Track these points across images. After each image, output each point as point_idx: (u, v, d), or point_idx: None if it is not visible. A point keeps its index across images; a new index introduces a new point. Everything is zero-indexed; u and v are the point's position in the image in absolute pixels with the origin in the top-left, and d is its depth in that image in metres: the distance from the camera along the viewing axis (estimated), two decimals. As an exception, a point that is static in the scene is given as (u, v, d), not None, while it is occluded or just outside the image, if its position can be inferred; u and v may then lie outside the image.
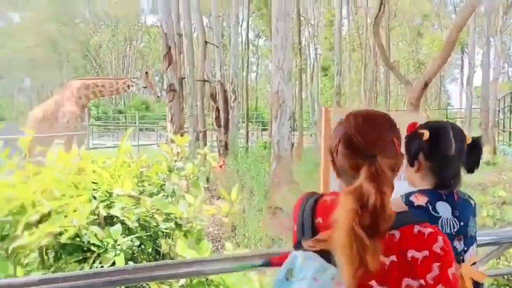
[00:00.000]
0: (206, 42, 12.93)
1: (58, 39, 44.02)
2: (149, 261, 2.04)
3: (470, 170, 1.45)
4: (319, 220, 1.01)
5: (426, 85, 8.02)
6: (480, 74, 17.13)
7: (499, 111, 17.17)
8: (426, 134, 1.35)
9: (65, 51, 45.97)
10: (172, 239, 2.10)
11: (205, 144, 11.82)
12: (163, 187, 2.39)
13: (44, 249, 1.86)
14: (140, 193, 2.21)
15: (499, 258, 2.86)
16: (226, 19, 23.78)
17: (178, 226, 2.12)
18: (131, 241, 1.93)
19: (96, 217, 1.92)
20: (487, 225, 5.24)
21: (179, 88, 9.14)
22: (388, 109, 21.96)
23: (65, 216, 1.80)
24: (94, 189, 2.05)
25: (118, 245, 1.81)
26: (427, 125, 1.43)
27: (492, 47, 17.44)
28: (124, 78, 9.18)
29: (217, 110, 12.77)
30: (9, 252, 1.75)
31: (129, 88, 9.00)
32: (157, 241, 2.08)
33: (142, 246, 2.07)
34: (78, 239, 1.83)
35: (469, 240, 1.34)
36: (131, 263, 1.86)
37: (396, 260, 0.94)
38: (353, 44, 27.24)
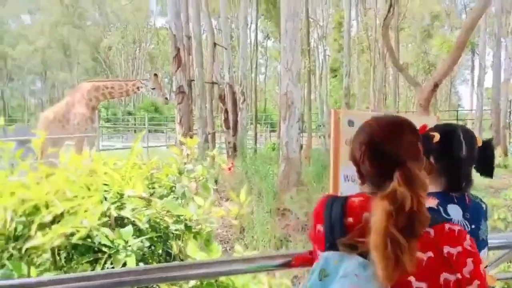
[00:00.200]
0: (215, 44, 12.98)
1: (68, 41, 44.52)
2: (159, 262, 2.05)
3: (486, 174, 1.44)
4: (350, 220, 1.04)
5: (436, 86, 7.97)
6: (491, 75, 16.94)
7: (510, 112, 16.99)
8: (437, 136, 1.35)
9: (76, 53, 46.51)
10: (182, 240, 2.12)
11: (214, 146, 11.86)
12: (173, 189, 2.40)
13: (56, 250, 1.88)
14: (151, 195, 2.23)
15: (510, 262, 2.83)
16: (235, 21, 23.84)
17: (188, 228, 2.13)
18: (142, 242, 1.94)
19: (107, 218, 1.94)
20: (498, 228, 5.19)
21: (188, 90, 9.19)
22: (397, 110, 21.84)
23: (77, 217, 1.82)
24: (105, 191, 2.07)
25: (129, 246, 1.82)
26: (437, 128, 1.43)
27: (503, 48, 17.23)
28: (133, 80, 9.23)
29: (226, 112, 12.80)
30: (23, 252, 1.77)
31: (138, 90, 9.05)
32: (167, 243, 2.09)
33: (153, 248, 2.08)
34: (89, 240, 1.85)
35: (481, 244, 1.33)
36: (141, 264, 1.88)
37: (433, 255, 0.99)
38: (362, 46, 27.13)
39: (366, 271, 0.95)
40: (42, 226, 1.80)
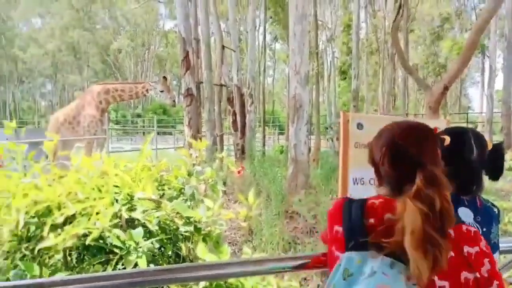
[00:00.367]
0: (223, 47, 13.04)
1: (79, 44, 44.99)
2: (169, 263, 2.06)
3: (494, 177, 1.44)
4: (371, 221, 1.05)
5: (446, 88, 7.92)
6: (501, 78, 16.78)
7: (521, 115, 16.75)
8: (447, 139, 1.35)
9: (86, 56, 46.97)
10: (192, 242, 2.13)
11: (222, 148, 11.89)
12: (182, 191, 2.42)
13: (67, 251, 1.91)
14: (160, 197, 2.24)
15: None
16: (243, 24, 23.91)
17: (197, 229, 2.15)
18: (152, 243, 1.96)
19: (118, 219, 1.96)
20: (508, 232, 5.13)
21: (197, 92, 9.23)
22: (406, 113, 21.69)
23: (89, 219, 1.84)
24: (116, 193, 2.09)
25: (140, 247, 1.84)
26: (448, 130, 1.42)
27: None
28: (143, 82, 9.28)
29: (234, 114, 12.84)
30: (35, 253, 1.80)
31: (148, 92, 9.10)
32: (177, 244, 2.11)
33: (163, 249, 2.10)
34: (101, 241, 1.87)
35: (492, 247, 1.32)
36: (152, 265, 1.89)
37: (453, 255, 1.02)
38: (371, 48, 27.04)
39: (393, 270, 0.96)
40: (54, 227, 1.83)
